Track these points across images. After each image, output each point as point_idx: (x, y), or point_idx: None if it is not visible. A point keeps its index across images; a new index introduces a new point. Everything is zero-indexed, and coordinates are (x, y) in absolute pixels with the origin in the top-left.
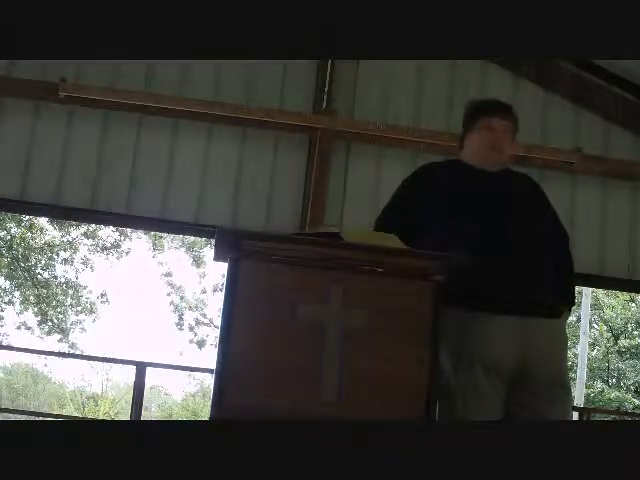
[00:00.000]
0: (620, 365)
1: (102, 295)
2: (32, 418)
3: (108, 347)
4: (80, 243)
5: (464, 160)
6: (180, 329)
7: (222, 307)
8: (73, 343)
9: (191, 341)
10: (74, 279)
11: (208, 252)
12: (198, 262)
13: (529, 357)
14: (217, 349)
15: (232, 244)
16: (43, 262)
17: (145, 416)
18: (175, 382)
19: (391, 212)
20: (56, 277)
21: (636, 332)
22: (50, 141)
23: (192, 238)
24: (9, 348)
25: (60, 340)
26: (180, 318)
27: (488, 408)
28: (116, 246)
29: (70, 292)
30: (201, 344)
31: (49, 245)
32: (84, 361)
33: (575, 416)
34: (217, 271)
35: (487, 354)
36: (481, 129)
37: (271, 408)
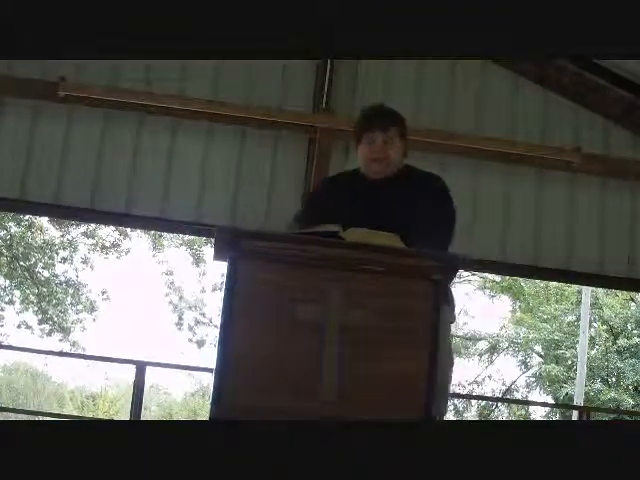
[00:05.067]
0: (619, 364)
1: (102, 293)
2: (32, 417)
3: (108, 346)
4: (80, 242)
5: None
6: (179, 328)
7: (221, 306)
8: (74, 342)
9: (190, 340)
10: (74, 278)
11: (208, 250)
12: (198, 260)
13: None
14: (216, 348)
15: (232, 243)
16: (43, 261)
17: (145, 415)
18: (175, 381)
19: (303, 212)
20: (56, 276)
21: (635, 331)
22: (50, 141)
23: (192, 236)
24: (9, 347)
25: (61, 340)
26: (180, 318)
27: None
28: (116, 245)
29: (70, 291)
30: (200, 343)
31: (49, 244)
32: (84, 360)
33: (575, 415)
34: (217, 270)
35: None
36: (363, 144)
37: (271, 407)
